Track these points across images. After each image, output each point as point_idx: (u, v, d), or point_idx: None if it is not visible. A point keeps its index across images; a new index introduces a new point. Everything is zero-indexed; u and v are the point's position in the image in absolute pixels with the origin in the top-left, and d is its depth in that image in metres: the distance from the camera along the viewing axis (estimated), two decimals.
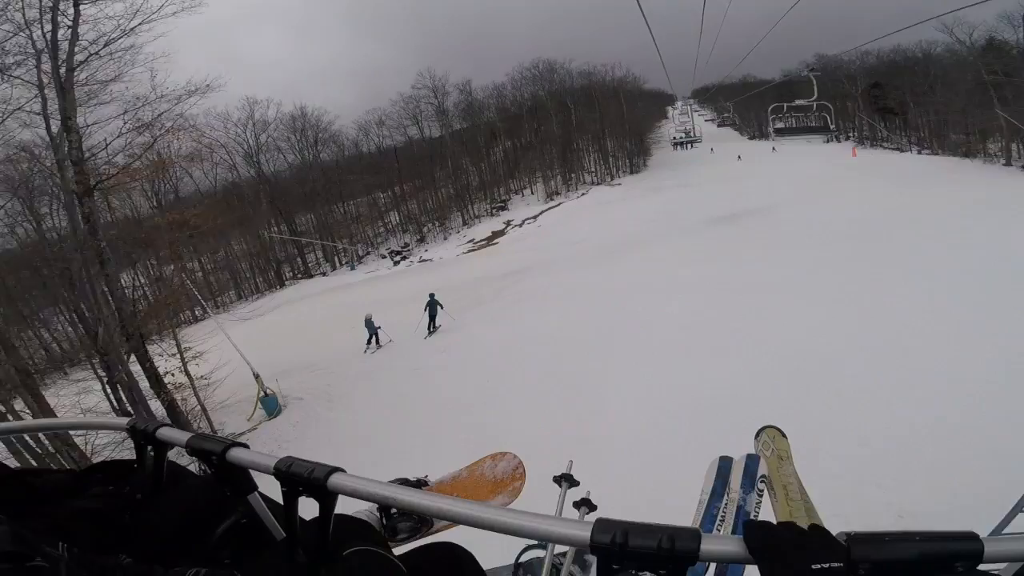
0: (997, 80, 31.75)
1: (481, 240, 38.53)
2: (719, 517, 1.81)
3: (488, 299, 19.21)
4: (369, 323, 16.10)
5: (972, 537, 0.49)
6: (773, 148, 41.96)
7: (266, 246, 42.57)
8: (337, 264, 43.46)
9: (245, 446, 0.80)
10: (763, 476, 1.91)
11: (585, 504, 1.73)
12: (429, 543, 1.18)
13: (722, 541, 0.53)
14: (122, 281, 13.48)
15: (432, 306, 15.91)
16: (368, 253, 43.40)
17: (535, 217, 40.05)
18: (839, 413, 7.62)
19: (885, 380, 8.15)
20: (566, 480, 1.74)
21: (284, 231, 43.53)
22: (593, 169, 46.97)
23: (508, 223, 40.64)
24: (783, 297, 12.50)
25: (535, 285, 19.63)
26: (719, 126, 60.70)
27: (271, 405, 13.44)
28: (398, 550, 0.95)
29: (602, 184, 44.83)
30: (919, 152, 37.80)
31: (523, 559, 1.74)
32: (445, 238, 42.40)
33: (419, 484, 1.96)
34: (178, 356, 12.45)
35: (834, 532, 0.53)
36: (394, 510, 1.55)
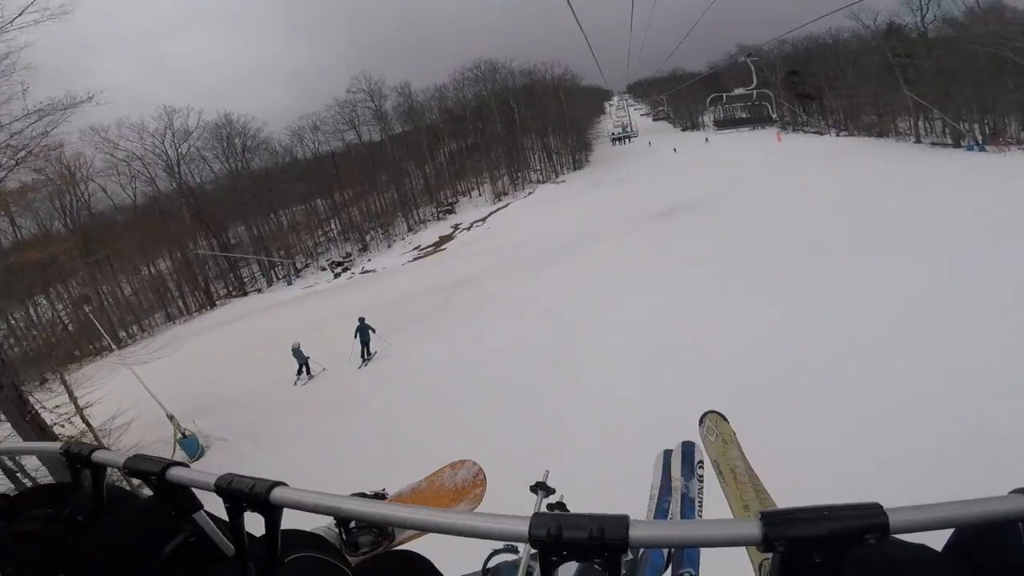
0: (901, 62, 33.71)
1: (428, 246, 37.16)
2: (669, 512, 1.83)
3: (435, 313, 18.14)
4: (297, 352, 14.59)
5: (876, 509, 0.52)
6: (706, 139, 43.25)
7: (193, 263, 39.51)
8: (274, 279, 40.93)
9: (185, 465, 0.80)
10: (700, 461, 1.98)
11: (558, 507, 1.64)
12: (386, 552, 1.19)
13: (649, 527, 0.54)
14: None
15: (363, 331, 14.55)
16: (307, 266, 41.13)
17: (484, 219, 39.18)
18: (802, 413, 7.29)
19: (847, 376, 7.93)
20: (542, 489, 1.71)
21: (214, 246, 40.55)
22: (539, 167, 46.80)
23: (456, 227, 39.52)
24: (733, 295, 12.31)
25: (485, 293, 18.74)
26: (654, 120, 62.12)
27: (191, 447, 11.94)
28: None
29: (548, 182, 44.68)
30: (837, 134, 39.84)
31: (491, 564, 1.62)
32: (389, 246, 40.72)
33: (376, 497, 1.91)
34: (69, 405, 10.69)
35: None
36: (352, 524, 1.53)
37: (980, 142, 28.87)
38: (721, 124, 17.41)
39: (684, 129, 55.87)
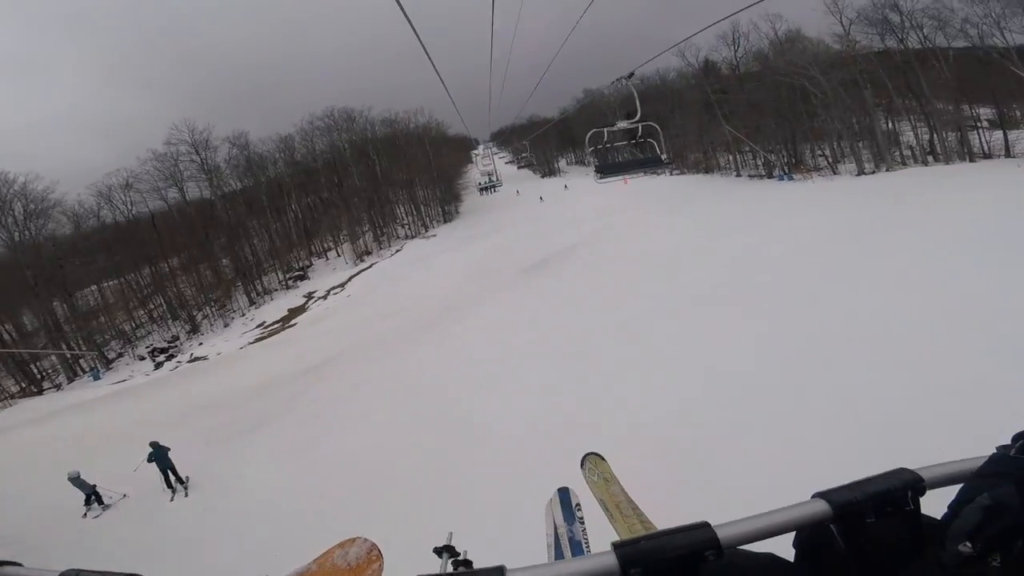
0: (719, 98, 37.76)
1: (274, 322, 32.81)
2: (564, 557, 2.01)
3: (279, 413, 14.92)
4: (78, 482, 11.33)
5: (706, 528, 0.58)
6: (565, 186, 45.28)
7: None
8: (79, 372, 33.59)
9: (18, 564, 0.79)
10: (578, 504, 2.27)
11: (463, 565, 1.57)
12: None
13: (522, 573, 0.58)
14: None
15: (160, 459, 11.52)
16: (120, 355, 33.60)
17: (343, 285, 35.87)
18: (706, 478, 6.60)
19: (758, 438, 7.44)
20: (447, 551, 1.70)
21: None
22: (407, 221, 44.55)
23: (310, 296, 35.65)
24: (616, 355, 11.77)
25: (341, 384, 15.98)
26: (519, 168, 64.41)
27: None
28: None
29: (417, 237, 42.96)
30: (671, 173, 43.75)
31: None
32: (226, 325, 35.27)
33: None
34: None
35: None
36: None
37: (787, 172, 33.33)
38: (604, 170, 11.85)
39: (543, 176, 58.28)
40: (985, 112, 28.31)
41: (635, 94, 10.84)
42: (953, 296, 9.65)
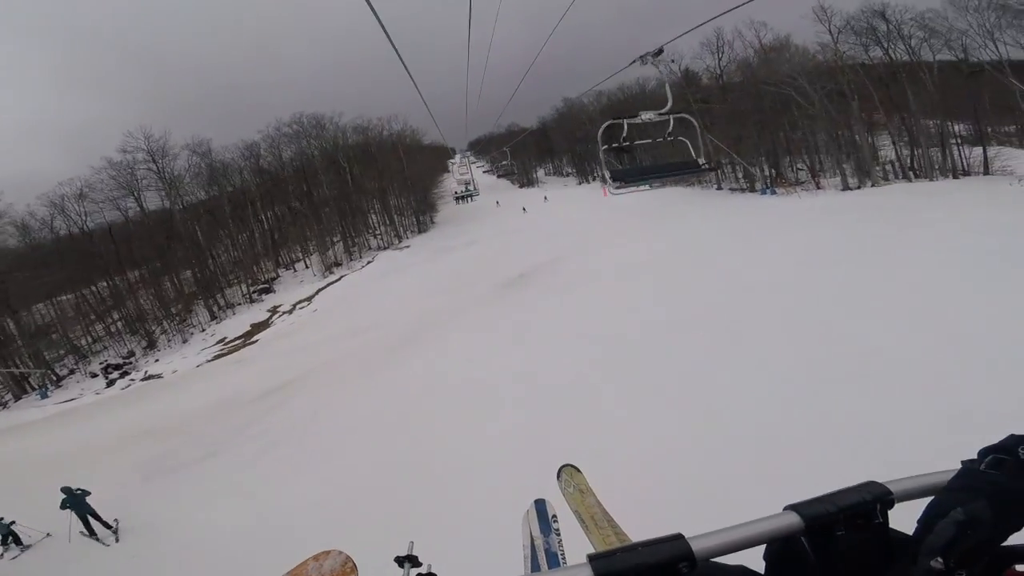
0: (700, 108, 37.67)
1: (235, 339, 31.54)
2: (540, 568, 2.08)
3: (230, 442, 14.04)
4: None
5: (680, 540, 0.61)
6: (545, 198, 45.29)
7: None
8: (29, 388, 32.00)
9: None
10: (554, 515, 2.30)
11: None
12: None
13: None
14: None
15: (77, 506, 10.50)
16: (72, 372, 32.09)
17: (310, 298, 34.80)
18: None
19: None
20: (409, 561, 1.72)
21: None
22: (379, 231, 43.74)
23: (274, 310, 34.46)
24: (600, 374, 11.29)
25: (303, 408, 15.08)
26: (498, 177, 64.17)
27: None
28: None
29: (390, 248, 42.22)
30: (651, 186, 43.70)
31: None
32: (185, 341, 33.83)
33: None
34: None
35: None
36: None
37: (770, 186, 33.40)
38: (624, 176, 8.23)
39: (522, 186, 58.15)
40: (959, 128, 28.73)
41: (666, 82, 8.11)
42: (953, 321, 9.52)
